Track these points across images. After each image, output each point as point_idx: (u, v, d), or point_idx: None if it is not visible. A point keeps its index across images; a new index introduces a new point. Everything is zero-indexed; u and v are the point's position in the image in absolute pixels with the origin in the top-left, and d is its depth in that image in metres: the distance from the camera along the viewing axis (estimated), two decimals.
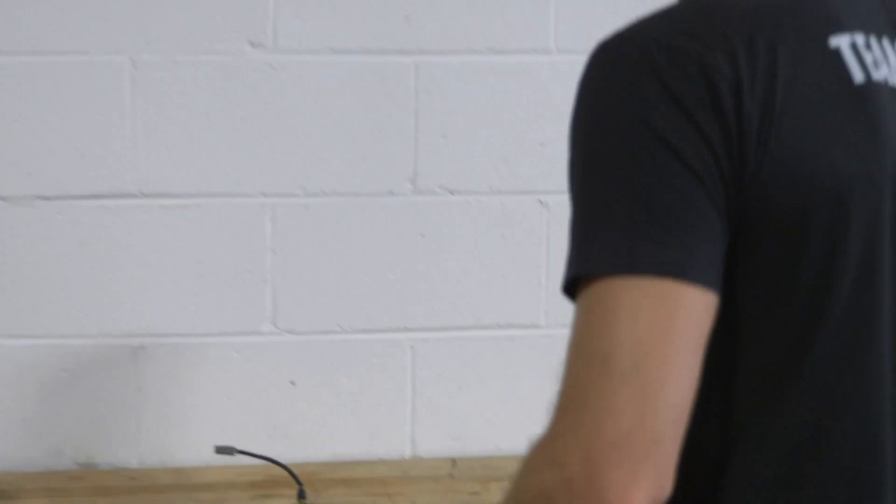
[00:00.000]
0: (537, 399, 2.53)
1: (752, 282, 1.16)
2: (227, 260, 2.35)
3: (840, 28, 1.18)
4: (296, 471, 2.28)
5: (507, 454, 2.45)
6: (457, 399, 2.45)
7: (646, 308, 1.08)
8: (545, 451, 1.11)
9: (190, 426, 2.37)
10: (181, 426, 2.37)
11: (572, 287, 1.13)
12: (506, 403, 2.46)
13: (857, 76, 1.17)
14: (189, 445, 2.36)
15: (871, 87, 1.17)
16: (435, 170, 2.38)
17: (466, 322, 2.43)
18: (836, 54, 1.17)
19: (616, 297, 1.09)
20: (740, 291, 1.16)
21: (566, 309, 2.54)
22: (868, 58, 1.18)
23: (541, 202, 2.41)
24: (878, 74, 1.18)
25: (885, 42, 1.20)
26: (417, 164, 2.37)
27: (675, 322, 1.08)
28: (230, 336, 2.36)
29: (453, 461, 2.43)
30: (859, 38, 1.18)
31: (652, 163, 1.10)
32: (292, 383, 2.39)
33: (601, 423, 1.06)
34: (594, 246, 1.11)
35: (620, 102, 1.12)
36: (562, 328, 2.48)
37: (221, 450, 2.15)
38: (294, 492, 2.18)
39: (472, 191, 2.40)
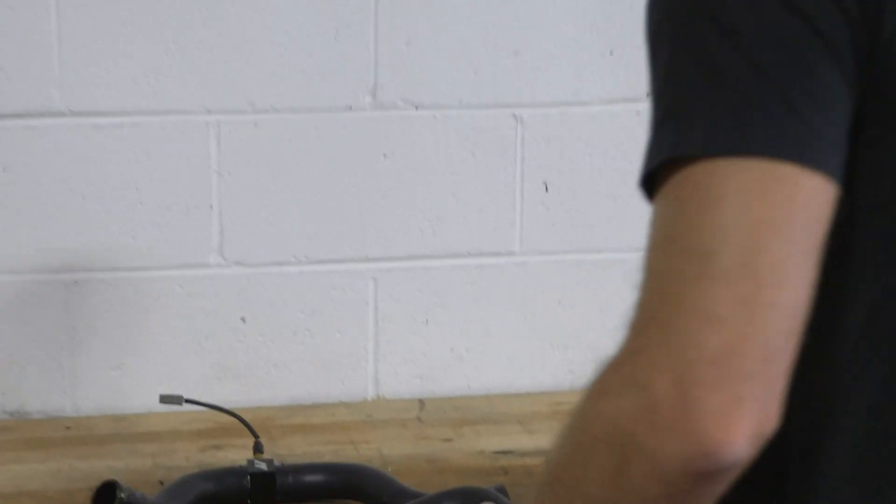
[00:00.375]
0: (511, 333, 2.36)
1: (877, 184, 0.95)
2: (167, 185, 2.13)
3: None
4: (248, 416, 2.06)
5: (479, 393, 2.27)
6: (423, 335, 2.24)
7: (758, 195, 0.89)
8: (621, 370, 0.92)
9: (130, 369, 2.15)
10: (120, 369, 2.15)
11: (652, 179, 0.94)
12: (477, 338, 2.26)
13: None
14: (130, 391, 2.15)
15: None
16: (398, 81, 2.17)
17: (433, 250, 2.22)
18: None
19: (721, 181, 0.89)
20: (860, 194, 0.95)
21: (543, 235, 2.35)
22: None
23: (515, 117, 2.20)
24: None
25: None
26: (378, 75, 2.16)
27: (794, 214, 0.89)
28: (173, 269, 2.15)
29: (421, 402, 2.23)
30: None
31: (767, 20, 0.90)
32: (243, 320, 2.18)
33: (698, 333, 0.87)
34: (691, 124, 0.91)
35: None
36: (538, 255, 2.31)
37: (167, 399, 1.93)
38: (247, 441, 1.97)
39: (439, 104, 2.18)
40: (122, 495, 1.66)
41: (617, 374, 0.92)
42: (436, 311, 2.24)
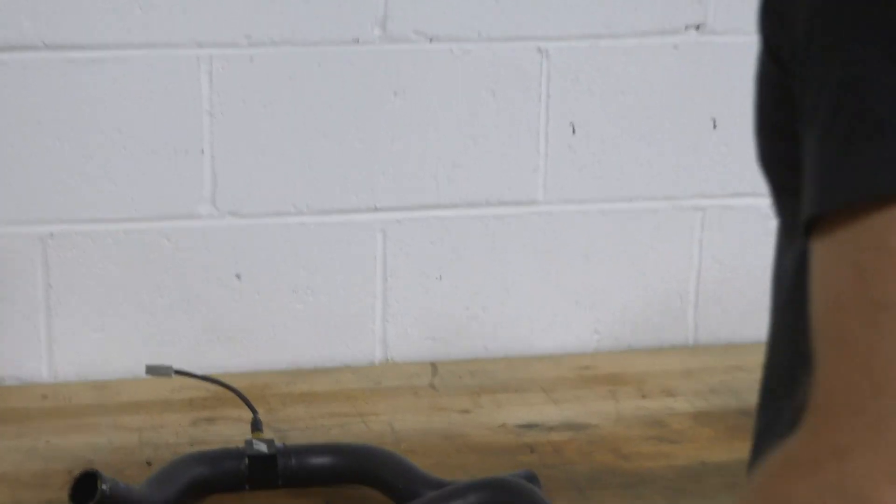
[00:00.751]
0: (533, 290, 2.15)
1: None
2: (153, 126, 1.92)
3: None
4: (244, 384, 1.87)
5: (497, 357, 2.08)
6: (436, 292, 2.04)
7: None
8: (819, 474, 0.74)
9: (113, 331, 1.95)
10: (103, 331, 1.95)
11: (818, 220, 0.79)
12: (495, 296, 2.06)
13: None
14: (112, 355, 1.95)
15: None
16: (410, 11, 1.95)
17: (448, 199, 2.02)
18: None
19: None
20: None
21: (568, 182, 2.14)
22: None
23: (540, 50, 1.99)
24: None
25: None
26: (388, 4, 1.94)
27: None
28: (160, 221, 1.94)
29: (433, 366, 2.03)
30: None
31: None
32: (237, 277, 1.97)
33: None
34: (871, 160, 0.76)
35: None
36: (563, 204, 2.10)
37: (154, 370, 1.72)
38: (243, 413, 1.77)
39: (455, 37, 1.97)
40: (104, 487, 1.45)
41: (814, 480, 0.74)
42: (450, 267, 2.04)
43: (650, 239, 2.09)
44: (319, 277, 2.00)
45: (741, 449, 1.79)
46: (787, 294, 0.94)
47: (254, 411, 1.71)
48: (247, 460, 1.62)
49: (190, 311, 1.97)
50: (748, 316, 2.15)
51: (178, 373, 1.74)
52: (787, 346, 0.97)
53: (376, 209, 1.99)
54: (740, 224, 2.11)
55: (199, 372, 1.87)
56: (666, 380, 2.02)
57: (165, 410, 1.85)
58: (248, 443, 1.65)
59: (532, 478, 1.60)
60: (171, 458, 1.68)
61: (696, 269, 2.12)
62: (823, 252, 0.77)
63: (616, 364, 2.07)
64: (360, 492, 1.63)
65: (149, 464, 1.69)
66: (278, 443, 1.65)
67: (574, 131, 2.02)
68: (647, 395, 1.96)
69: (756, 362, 2.09)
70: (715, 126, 2.06)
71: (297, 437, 1.77)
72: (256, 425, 1.69)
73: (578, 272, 2.08)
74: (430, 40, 1.96)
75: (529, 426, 1.84)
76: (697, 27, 1.98)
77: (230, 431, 1.79)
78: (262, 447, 1.64)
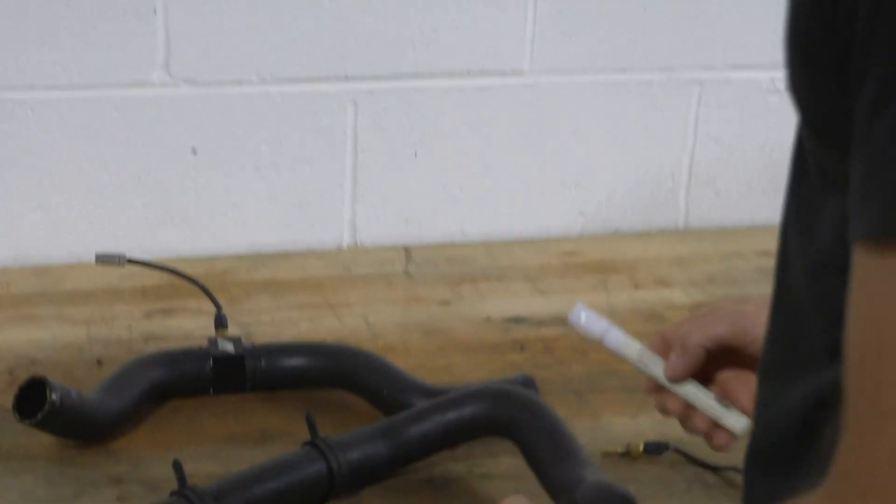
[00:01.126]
0: (514, 169, 1.98)
1: None
2: None
3: None
4: (201, 271, 1.70)
5: (474, 241, 1.90)
6: (411, 170, 1.87)
7: None
8: None
9: (55, 212, 1.77)
10: (43, 212, 1.76)
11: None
12: (474, 175, 1.90)
13: None
14: (55, 238, 1.76)
15: None
16: None
17: (425, 68, 1.85)
18: None
19: None
20: None
21: (556, 50, 1.95)
22: None
23: None
24: None
25: None
26: None
27: None
28: (107, 89, 1.75)
29: (407, 251, 1.86)
30: None
31: None
32: (193, 152, 1.78)
33: None
34: None
35: None
36: (550, 75, 1.92)
37: (105, 259, 1.54)
38: (203, 303, 1.60)
39: None
40: (54, 397, 1.28)
41: None
42: (426, 142, 1.87)
43: (643, 114, 1.92)
44: (283, 153, 1.82)
45: None
46: (819, 256, 0.80)
47: (217, 306, 1.54)
48: (211, 362, 1.45)
49: (140, 189, 1.78)
50: (742, 199, 2.00)
51: (132, 262, 1.56)
52: (811, 316, 0.83)
53: (347, 78, 1.81)
54: (739, 99, 1.95)
55: (150, 258, 1.69)
56: (658, 268, 1.87)
57: (115, 301, 1.67)
58: (213, 342, 1.48)
59: (529, 382, 1.45)
60: (123, 356, 1.51)
61: (691, 148, 1.96)
62: (878, 274, 0.68)
63: (603, 249, 1.91)
64: (336, 396, 1.47)
65: (100, 363, 1.52)
66: (246, 342, 1.48)
67: None
68: (641, 286, 1.81)
69: (752, 249, 1.96)
70: None
71: (263, 332, 1.60)
72: (221, 321, 1.52)
73: (564, 149, 1.91)
74: None
75: (516, 320, 1.68)
76: None
77: (189, 325, 1.61)
78: (228, 347, 1.47)
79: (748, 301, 1.14)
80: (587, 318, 1.16)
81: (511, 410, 1.32)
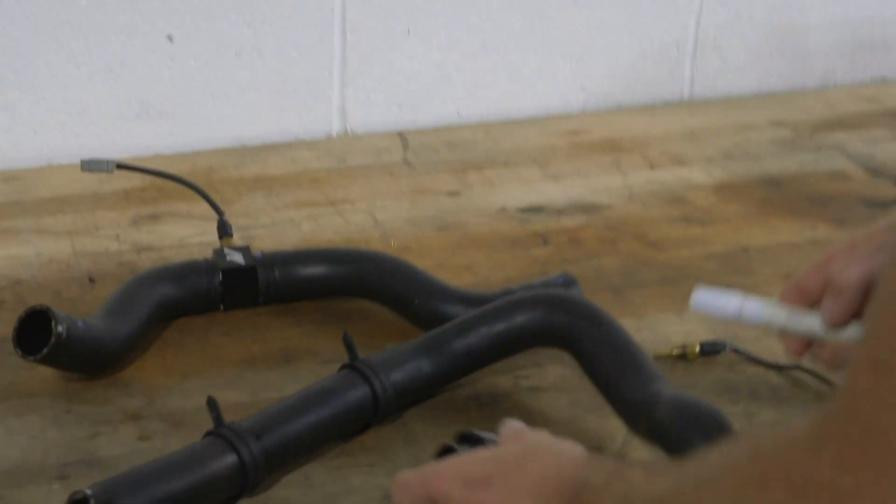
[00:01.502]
0: (512, 43, 1.84)
1: None
2: None
3: None
4: (185, 167, 1.57)
5: (471, 122, 1.77)
6: (403, 49, 1.73)
7: None
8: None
9: (21, 109, 1.61)
10: (8, 110, 1.60)
11: None
12: (470, 52, 1.76)
13: None
14: (23, 139, 1.61)
15: None
16: None
17: None
18: None
19: None
20: None
21: None
22: None
23: None
24: None
25: None
26: None
27: None
28: None
29: (402, 137, 1.73)
30: None
31: None
32: (169, 39, 1.63)
33: None
34: None
35: None
36: None
37: (91, 165, 1.39)
38: (193, 206, 1.46)
39: None
40: (60, 329, 1.14)
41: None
42: (419, 19, 1.72)
43: None
44: (267, 36, 1.66)
45: (782, 229, 1.54)
46: None
47: (220, 213, 1.40)
48: (220, 275, 1.31)
49: (113, 81, 1.62)
50: (748, 65, 1.88)
51: (122, 167, 1.41)
52: None
53: None
54: None
55: (127, 156, 1.55)
56: (670, 144, 1.75)
57: (97, 207, 1.52)
58: (219, 253, 1.33)
59: (571, 282, 1.33)
60: (116, 271, 1.38)
61: (697, 12, 1.83)
62: None
63: (608, 126, 1.79)
64: (356, 306, 1.33)
65: (92, 280, 1.37)
66: (255, 252, 1.34)
67: None
68: (656, 165, 1.69)
69: (764, 119, 1.84)
70: None
71: (264, 238, 1.47)
72: (225, 229, 1.38)
73: (563, 19, 1.78)
74: None
75: (534, 210, 1.56)
76: None
77: (181, 232, 1.47)
78: (238, 258, 1.33)
79: (890, 228, 1.02)
80: (713, 300, 1.02)
81: (568, 319, 1.19)
